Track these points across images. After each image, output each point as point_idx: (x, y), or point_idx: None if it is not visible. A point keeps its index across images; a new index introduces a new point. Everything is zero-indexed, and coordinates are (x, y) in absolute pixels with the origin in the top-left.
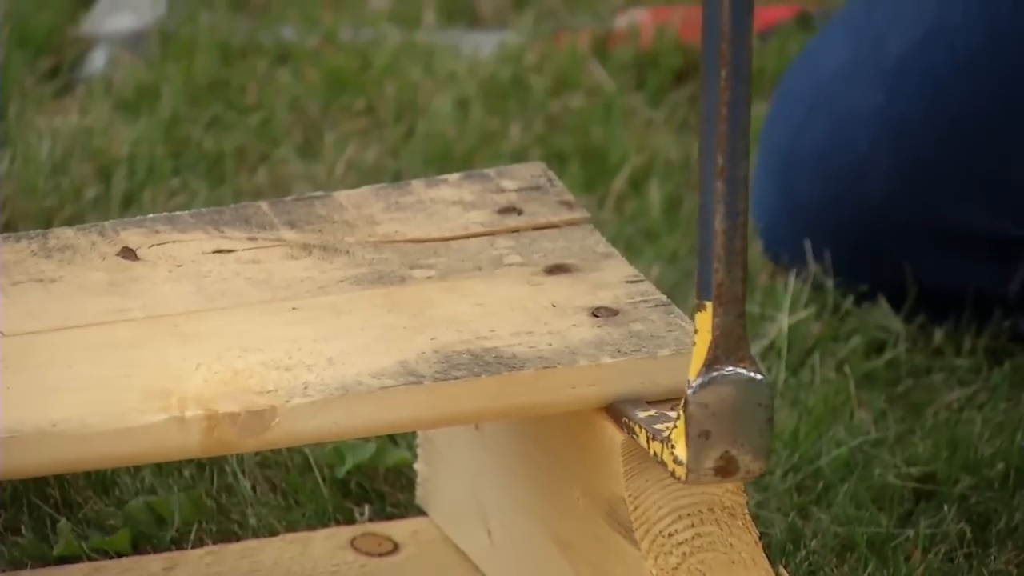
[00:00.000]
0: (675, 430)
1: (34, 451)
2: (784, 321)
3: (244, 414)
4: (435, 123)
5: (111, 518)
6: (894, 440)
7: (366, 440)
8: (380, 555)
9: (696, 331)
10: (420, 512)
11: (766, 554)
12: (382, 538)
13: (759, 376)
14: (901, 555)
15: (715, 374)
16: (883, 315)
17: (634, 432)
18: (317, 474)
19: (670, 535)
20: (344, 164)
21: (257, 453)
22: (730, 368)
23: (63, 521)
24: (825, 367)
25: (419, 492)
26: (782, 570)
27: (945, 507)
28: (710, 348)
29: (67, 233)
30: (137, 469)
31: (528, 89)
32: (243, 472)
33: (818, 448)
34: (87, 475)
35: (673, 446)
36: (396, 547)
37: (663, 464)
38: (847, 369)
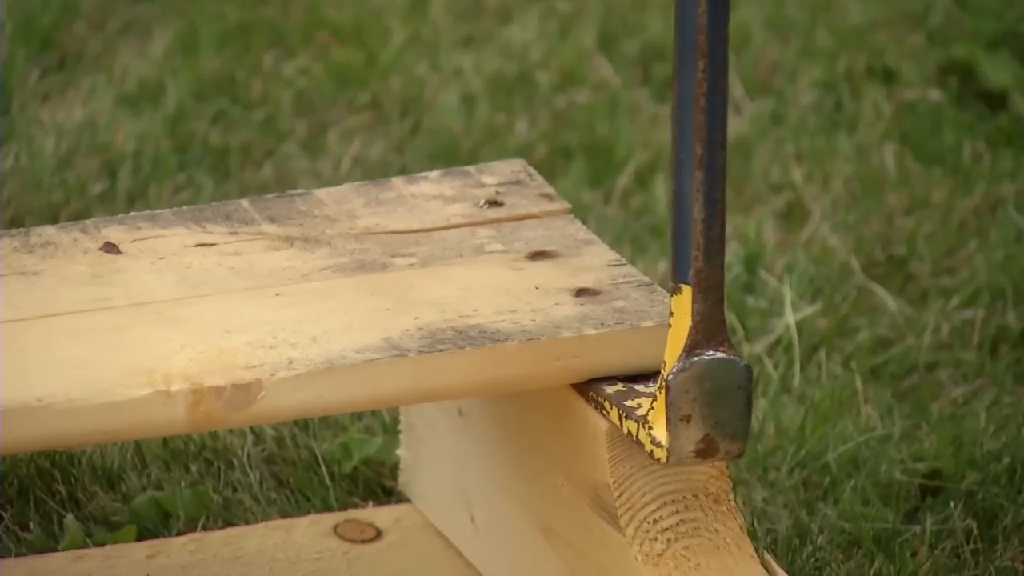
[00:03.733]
0: (653, 412)
1: (20, 427)
2: (790, 316)
3: (230, 388)
4: (441, 118)
5: (117, 514)
6: (900, 436)
7: (372, 435)
8: (363, 542)
9: (672, 313)
10: (404, 499)
11: (772, 551)
12: (365, 525)
13: (739, 360)
14: (907, 551)
15: (696, 359)
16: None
17: (604, 409)
18: (324, 469)
19: (655, 521)
20: (350, 159)
21: (264, 448)
22: (710, 352)
23: (69, 517)
24: (832, 363)
25: (402, 479)
26: (767, 555)
27: (951, 503)
28: (690, 333)
29: (49, 231)
30: (144, 465)
31: (534, 84)
32: (250, 467)
33: (824, 444)
34: (94, 470)
35: (651, 427)
36: (379, 533)
37: (640, 444)
38: (853, 364)
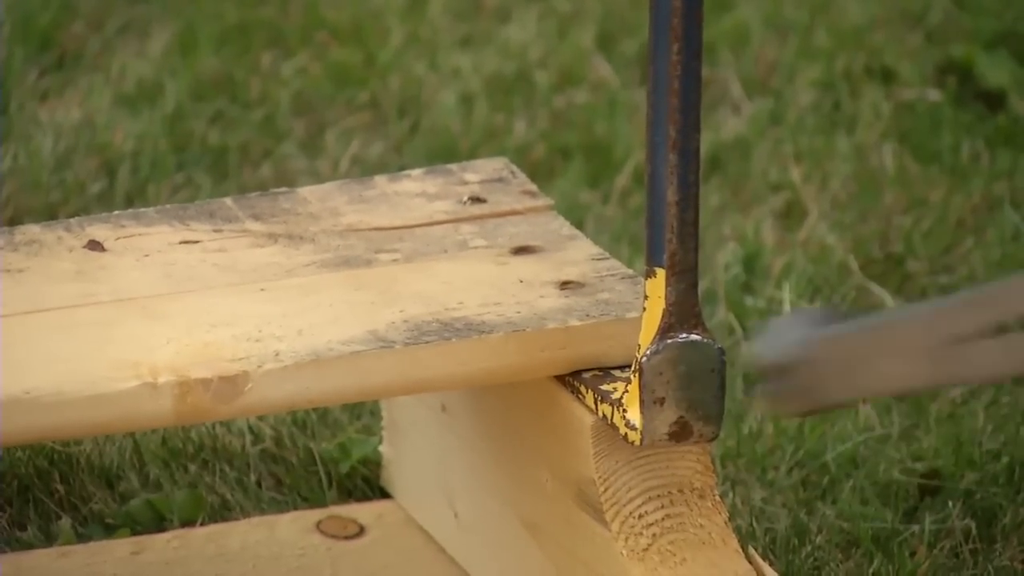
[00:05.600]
0: (627, 394)
1: (8, 419)
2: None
3: (216, 380)
4: (439, 118)
5: (114, 516)
6: (899, 435)
7: (370, 435)
8: (346, 538)
9: (646, 297)
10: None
11: (771, 550)
12: (348, 521)
13: (712, 342)
14: (906, 550)
15: (669, 341)
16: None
17: (580, 393)
18: (321, 469)
19: (640, 516)
20: (348, 159)
21: (263, 448)
22: (684, 335)
23: (64, 520)
24: None
25: (384, 475)
26: (752, 551)
27: (950, 503)
28: (664, 316)
29: (33, 229)
30: (142, 465)
31: (532, 84)
32: (249, 466)
33: (823, 443)
34: (92, 470)
35: (625, 410)
36: (362, 530)
37: (614, 427)
38: None
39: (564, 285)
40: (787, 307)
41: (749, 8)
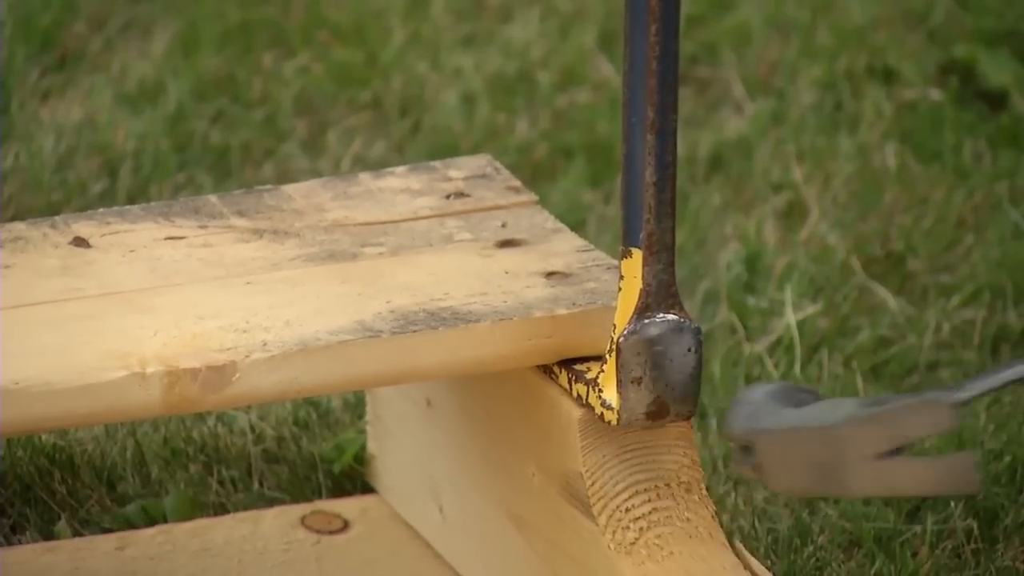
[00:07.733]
0: (603, 374)
1: None
2: (791, 316)
3: (204, 370)
4: (441, 118)
5: (110, 519)
6: None
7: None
8: (331, 532)
9: (622, 277)
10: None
11: (772, 550)
12: (332, 516)
13: (689, 322)
14: (908, 551)
15: (647, 321)
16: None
17: (553, 373)
18: (320, 469)
19: (627, 510)
20: (350, 159)
21: (264, 448)
22: (661, 315)
23: (60, 523)
24: (833, 362)
25: (369, 470)
26: (739, 544)
27: (952, 503)
28: (641, 296)
29: (19, 227)
30: (142, 465)
31: (534, 84)
32: (249, 467)
33: None
34: (92, 470)
35: (601, 390)
36: (346, 524)
37: (589, 407)
38: (854, 364)
39: (550, 275)
40: (789, 307)
41: (751, 8)
